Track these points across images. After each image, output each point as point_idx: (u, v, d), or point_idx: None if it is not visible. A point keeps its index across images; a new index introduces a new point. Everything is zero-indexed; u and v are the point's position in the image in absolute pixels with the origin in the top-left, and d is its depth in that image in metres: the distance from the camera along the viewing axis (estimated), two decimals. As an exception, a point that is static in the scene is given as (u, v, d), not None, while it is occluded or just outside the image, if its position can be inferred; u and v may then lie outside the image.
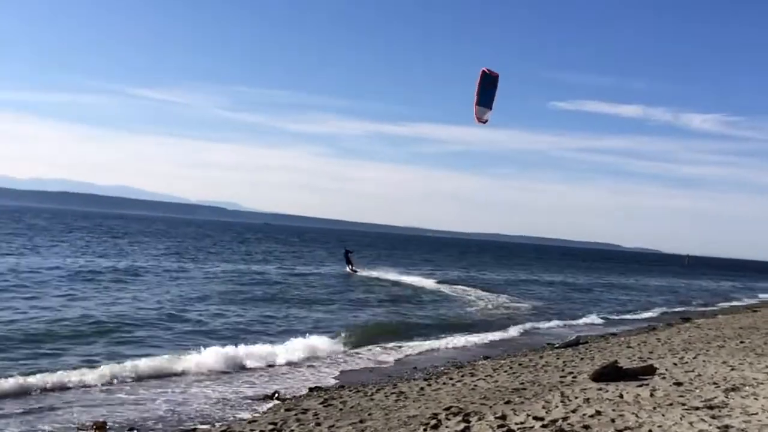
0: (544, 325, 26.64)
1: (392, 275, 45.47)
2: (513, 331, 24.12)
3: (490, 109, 13.70)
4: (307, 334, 19.54)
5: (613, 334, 24.05)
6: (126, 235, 77.16)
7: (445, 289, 39.44)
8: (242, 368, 15.25)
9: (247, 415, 11.48)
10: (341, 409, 11.33)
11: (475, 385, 13.09)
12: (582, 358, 16.72)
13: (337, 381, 14.62)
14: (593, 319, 30.05)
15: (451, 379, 14.11)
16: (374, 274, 45.78)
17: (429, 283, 41.84)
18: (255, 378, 14.63)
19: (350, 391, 13.20)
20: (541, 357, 17.44)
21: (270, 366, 15.68)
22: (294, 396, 12.93)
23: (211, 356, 15.57)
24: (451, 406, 10.95)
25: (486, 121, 13.84)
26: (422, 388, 13.04)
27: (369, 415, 10.85)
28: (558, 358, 16.88)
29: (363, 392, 12.89)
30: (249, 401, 12.52)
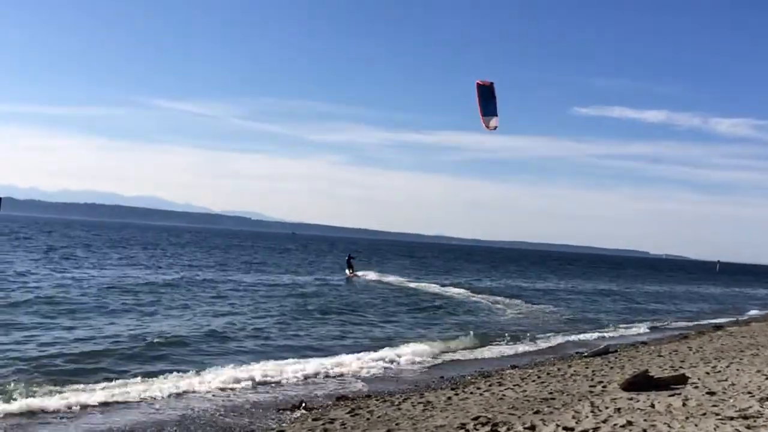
0: (572, 333, 26.32)
1: (419, 284, 45.66)
2: (541, 340, 23.86)
3: (496, 115, 14.22)
4: (335, 344, 19.66)
5: (643, 343, 23.68)
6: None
7: (472, 297, 39.41)
8: (267, 380, 15.26)
9: (274, 425, 11.50)
10: (368, 419, 11.30)
11: (503, 395, 12.98)
12: (612, 368, 16.50)
13: (364, 390, 14.57)
14: (622, 327, 29.63)
15: (478, 388, 14.00)
16: (401, 282, 46.05)
17: (457, 292, 41.96)
18: (281, 388, 14.64)
19: (377, 400, 13.16)
20: (570, 366, 17.24)
21: (295, 376, 15.66)
22: (321, 406, 12.92)
23: (240, 368, 15.73)
24: (479, 416, 10.87)
25: (495, 127, 14.38)
26: (449, 398, 12.96)
27: (396, 425, 10.80)
28: (587, 368, 16.67)
29: (390, 402, 12.84)
30: (276, 411, 12.53)
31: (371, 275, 48.87)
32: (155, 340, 18.17)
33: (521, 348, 22.02)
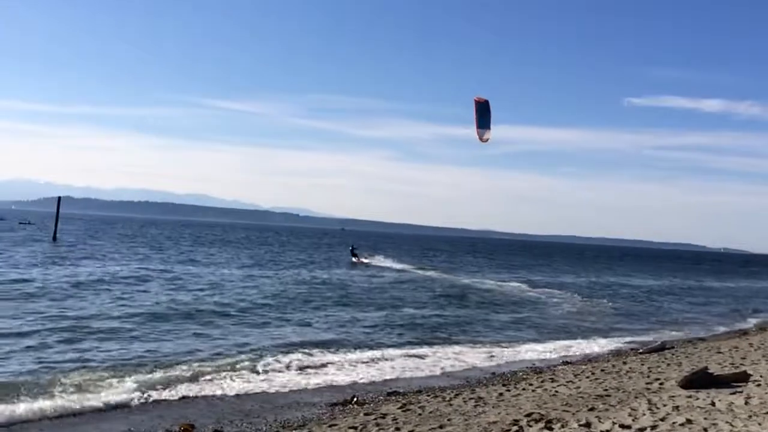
0: (626, 329, 25.82)
1: (469, 279, 45.70)
2: (594, 335, 23.46)
3: (489, 129, 15.85)
4: (384, 337, 19.73)
5: (701, 339, 23.04)
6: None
7: (526, 291, 39.31)
8: (319, 374, 15.40)
9: (326, 419, 11.59)
10: (420, 414, 11.28)
11: (556, 391, 12.79)
12: (668, 364, 16.09)
13: (414, 385, 14.56)
14: (679, 322, 28.90)
15: (530, 384, 13.84)
16: (448, 277, 46.11)
17: (512, 286, 41.91)
18: (332, 382, 14.74)
19: (428, 395, 13.13)
20: (625, 362, 16.89)
21: (347, 370, 15.77)
22: (372, 400, 12.97)
23: (293, 360, 16.03)
24: (532, 413, 10.73)
25: (488, 140, 15.93)
26: (501, 394, 12.84)
27: (448, 420, 10.76)
28: (642, 364, 16.30)
29: (441, 397, 12.80)
30: (328, 405, 12.63)
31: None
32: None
33: (574, 343, 21.66)
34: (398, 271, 50.91)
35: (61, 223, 71.29)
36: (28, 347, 15.68)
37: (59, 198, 69.48)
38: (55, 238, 62.42)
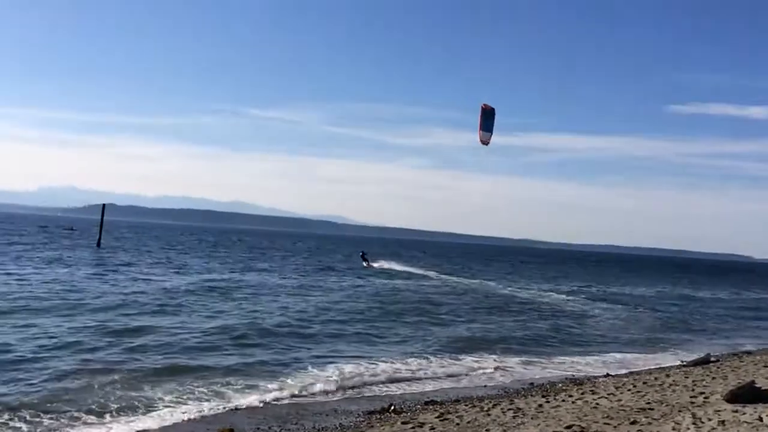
0: (669, 341, 25.27)
1: (508, 288, 45.51)
2: (637, 347, 23.05)
3: (491, 133, 16.57)
4: (419, 346, 19.70)
5: (748, 352, 22.41)
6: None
7: (567, 301, 38.93)
8: (356, 381, 15.43)
9: (364, 427, 11.60)
10: (458, 424, 11.21)
11: (597, 404, 12.58)
12: (713, 378, 15.68)
13: (452, 395, 14.48)
14: (724, 335, 28.15)
15: (570, 396, 13.63)
16: (491, 285, 45.88)
17: (550, 296, 41.54)
18: (369, 390, 14.76)
19: (466, 405, 13.04)
20: (668, 375, 16.51)
21: (382, 378, 15.77)
22: (409, 409, 12.94)
23: (328, 368, 16.11)
24: (572, 425, 10.58)
25: (487, 143, 16.59)
26: (540, 405, 12.68)
27: (486, 431, 10.68)
28: (686, 377, 15.92)
29: (479, 407, 12.70)
30: (365, 413, 12.65)
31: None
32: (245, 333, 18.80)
33: (616, 355, 21.32)
34: (420, 276, 51.62)
35: (113, 231, 72.86)
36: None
37: (103, 205, 71.17)
38: (99, 245, 63.89)
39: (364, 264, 61.50)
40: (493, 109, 16.69)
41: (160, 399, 12.81)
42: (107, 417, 11.68)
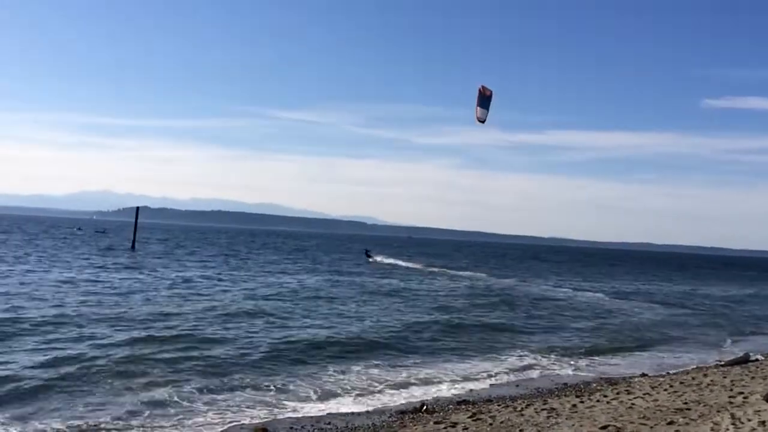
0: (706, 340, 24.80)
1: (542, 287, 45.25)
2: (674, 346, 22.68)
3: (487, 110, 16.47)
4: (453, 346, 19.64)
5: (789, 352, 21.82)
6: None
7: (603, 300, 38.68)
8: (389, 381, 15.43)
9: (396, 426, 11.60)
10: (491, 424, 11.14)
11: (633, 404, 12.40)
12: (753, 377, 15.35)
13: (485, 394, 14.40)
14: (762, 334, 27.51)
15: (605, 396, 13.46)
16: (526, 287, 45.62)
17: (586, 295, 41.31)
18: (401, 389, 14.74)
19: (499, 405, 12.95)
20: (705, 375, 16.20)
21: (420, 380, 15.73)
22: (442, 409, 12.90)
23: (362, 366, 16.25)
24: (607, 425, 10.45)
25: (484, 120, 16.47)
26: (574, 405, 12.53)
27: (520, 431, 10.60)
28: (725, 377, 15.60)
29: (512, 407, 12.60)
30: (397, 413, 12.64)
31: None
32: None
33: (650, 354, 21.01)
34: (461, 278, 51.47)
35: (147, 233, 73.89)
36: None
37: (137, 208, 72.12)
38: (133, 247, 64.85)
39: (369, 260, 69.57)
40: (491, 94, 16.69)
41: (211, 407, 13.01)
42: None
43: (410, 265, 65.48)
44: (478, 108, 16.42)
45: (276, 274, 44.62)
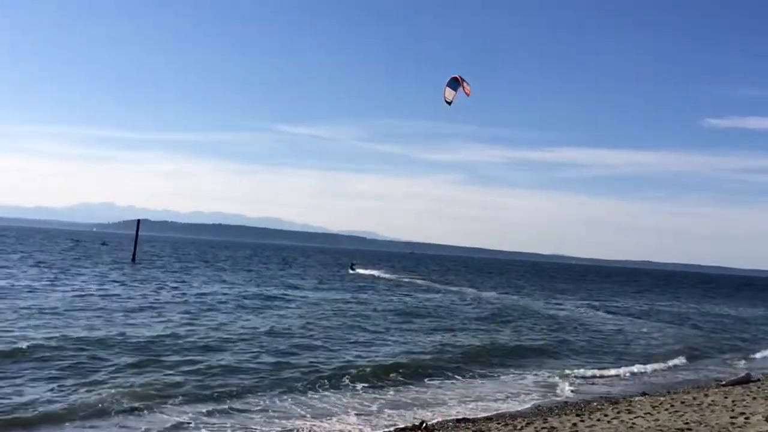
0: (708, 360, 24.70)
1: (543, 303, 45.21)
2: (675, 366, 22.57)
3: (455, 92, 16.92)
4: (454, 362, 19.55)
5: (790, 372, 21.68)
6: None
7: (604, 318, 38.56)
8: (388, 398, 15.34)
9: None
10: (490, 443, 11.04)
11: (633, 424, 12.29)
12: (754, 398, 15.23)
13: (485, 413, 14.28)
14: (764, 354, 27.35)
15: (605, 415, 13.34)
16: (523, 302, 45.47)
17: (586, 312, 41.27)
18: (404, 410, 14.61)
19: (498, 423, 12.85)
20: (706, 395, 16.09)
21: (421, 399, 15.62)
22: (441, 426, 12.80)
23: (358, 381, 16.15)
24: (608, 445, 10.34)
25: (450, 102, 16.91)
26: (575, 424, 12.43)
27: (520, 450, 10.49)
28: (726, 397, 15.49)
29: (512, 425, 12.50)
30: (397, 430, 12.54)
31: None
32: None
33: (651, 373, 20.90)
34: (451, 291, 51.28)
35: (143, 246, 73.83)
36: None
37: (138, 221, 72.12)
38: (134, 260, 64.83)
39: (351, 271, 75.70)
40: (460, 78, 17.29)
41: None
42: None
43: (391, 276, 70.92)
44: (447, 88, 16.93)
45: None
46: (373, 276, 69.69)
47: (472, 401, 15.51)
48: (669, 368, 22.11)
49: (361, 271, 77.10)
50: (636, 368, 21.32)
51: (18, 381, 14.21)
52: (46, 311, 24.20)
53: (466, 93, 17.29)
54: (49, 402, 12.84)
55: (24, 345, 17.25)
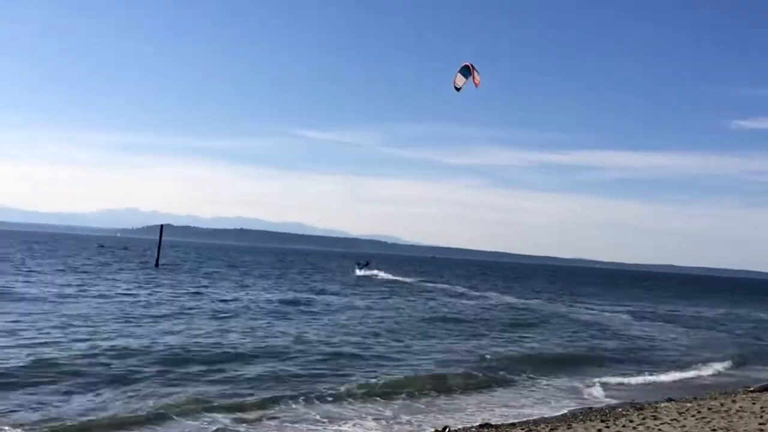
0: (736, 365, 24.35)
1: (566, 308, 45.13)
2: (700, 371, 22.31)
3: (466, 79, 16.99)
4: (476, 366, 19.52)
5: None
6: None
7: (629, 322, 38.33)
8: (412, 403, 15.34)
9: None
10: (515, 449, 11.00)
11: (659, 430, 12.20)
12: (784, 404, 14.98)
13: (509, 418, 14.23)
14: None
15: (631, 422, 13.22)
16: (560, 308, 45.30)
17: (611, 316, 41.02)
18: (425, 411, 14.63)
19: (522, 429, 12.80)
20: (734, 401, 15.86)
21: (442, 401, 15.63)
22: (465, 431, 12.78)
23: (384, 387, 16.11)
24: (634, 452, 10.24)
25: (460, 88, 16.98)
26: (599, 430, 12.34)
27: (544, 456, 10.44)
28: (754, 403, 15.27)
29: (536, 431, 12.44)
30: (420, 435, 12.55)
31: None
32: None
33: (678, 378, 20.69)
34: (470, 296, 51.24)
35: (172, 251, 74.25)
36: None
37: (161, 226, 72.80)
38: (157, 265, 65.47)
39: (358, 272, 74.59)
40: (472, 65, 17.23)
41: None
42: None
43: (411, 280, 70.86)
44: (459, 74, 16.99)
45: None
46: (394, 280, 68.46)
47: (497, 407, 15.48)
48: (696, 374, 21.84)
49: (377, 273, 73.86)
50: (662, 374, 21.12)
51: (54, 390, 14.24)
52: (76, 318, 24.36)
53: (474, 83, 17.22)
54: (86, 412, 12.91)
55: (58, 354, 17.36)
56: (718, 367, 23.45)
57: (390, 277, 71.87)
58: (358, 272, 74.34)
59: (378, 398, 15.48)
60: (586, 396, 17.19)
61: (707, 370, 22.59)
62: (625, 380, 19.87)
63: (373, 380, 17.03)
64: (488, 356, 22.12)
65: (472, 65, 17.11)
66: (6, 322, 22.29)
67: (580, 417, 14.32)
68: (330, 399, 15.12)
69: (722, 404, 15.34)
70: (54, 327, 22.00)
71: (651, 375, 20.87)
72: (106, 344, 19.27)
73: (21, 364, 15.95)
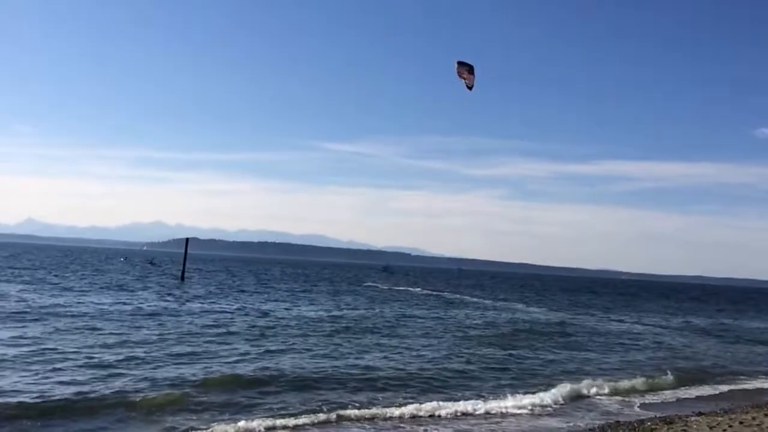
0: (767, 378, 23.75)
1: (594, 320, 44.35)
2: (732, 384, 21.81)
3: (470, 73, 17.05)
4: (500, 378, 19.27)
5: None
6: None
7: (660, 334, 37.82)
8: (422, 416, 15.20)
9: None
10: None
11: (690, 444, 11.90)
12: (818, 418, 14.58)
13: (532, 430, 14.03)
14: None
15: (660, 435, 12.96)
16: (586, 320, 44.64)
17: (642, 328, 40.59)
18: (437, 426, 14.46)
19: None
20: (766, 415, 15.48)
21: (454, 414, 15.41)
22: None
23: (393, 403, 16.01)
24: (663, 466, 10.02)
25: (465, 78, 16.98)
26: (628, 445, 12.09)
27: (571, 470, 10.25)
28: (788, 417, 14.87)
29: (562, 445, 12.24)
30: None
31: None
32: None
33: (708, 391, 20.24)
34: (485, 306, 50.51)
35: (197, 264, 74.01)
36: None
37: (186, 239, 72.42)
38: (182, 278, 65.49)
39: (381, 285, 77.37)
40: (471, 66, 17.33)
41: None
42: None
43: (440, 292, 70.56)
44: (466, 73, 17.12)
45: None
46: (436, 294, 68.41)
47: (520, 417, 15.29)
48: (728, 387, 21.35)
49: (407, 288, 74.89)
50: (692, 388, 20.68)
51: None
52: (109, 335, 23.68)
53: (469, 85, 17.30)
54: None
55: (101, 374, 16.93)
56: (752, 381, 22.91)
57: (427, 291, 72.02)
58: (381, 285, 76.81)
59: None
60: (612, 410, 16.86)
61: (739, 384, 22.08)
62: (654, 393, 19.52)
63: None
64: (510, 365, 21.85)
65: (471, 67, 17.19)
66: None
67: (608, 430, 14.08)
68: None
69: (754, 418, 14.99)
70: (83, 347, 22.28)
71: (680, 389, 20.46)
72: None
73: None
